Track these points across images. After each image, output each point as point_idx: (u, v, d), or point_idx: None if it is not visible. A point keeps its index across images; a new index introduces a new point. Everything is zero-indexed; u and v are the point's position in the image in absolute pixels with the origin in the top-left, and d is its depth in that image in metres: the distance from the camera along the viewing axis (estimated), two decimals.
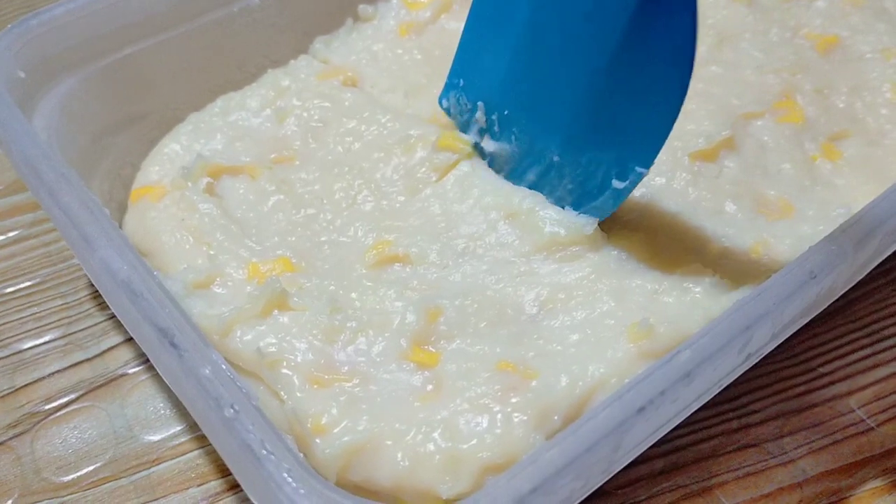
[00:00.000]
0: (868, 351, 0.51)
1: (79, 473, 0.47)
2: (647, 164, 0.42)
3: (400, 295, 0.44)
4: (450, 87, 0.52)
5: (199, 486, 0.46)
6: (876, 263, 0.42)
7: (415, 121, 0.52)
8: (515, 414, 0.38)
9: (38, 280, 0.56)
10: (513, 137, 0.48)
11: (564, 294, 0.43)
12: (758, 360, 0.38)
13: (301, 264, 0.45)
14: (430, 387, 0.39)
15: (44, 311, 0.54)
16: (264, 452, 0.32)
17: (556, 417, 0.38)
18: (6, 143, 0.44)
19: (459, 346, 0.41)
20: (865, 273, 0.41)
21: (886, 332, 0.52)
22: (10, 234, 0.58)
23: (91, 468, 0.47)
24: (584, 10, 0.42)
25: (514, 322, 0.43)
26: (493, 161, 0.50)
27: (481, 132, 0.50)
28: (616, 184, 0.43)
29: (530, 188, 0.48)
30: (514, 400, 0.38)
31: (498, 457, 0.37)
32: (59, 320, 0.54)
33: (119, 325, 0.53)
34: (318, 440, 0.38)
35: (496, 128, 0.49)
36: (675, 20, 0.38)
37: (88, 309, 0.54)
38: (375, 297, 0.44)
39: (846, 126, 0.53)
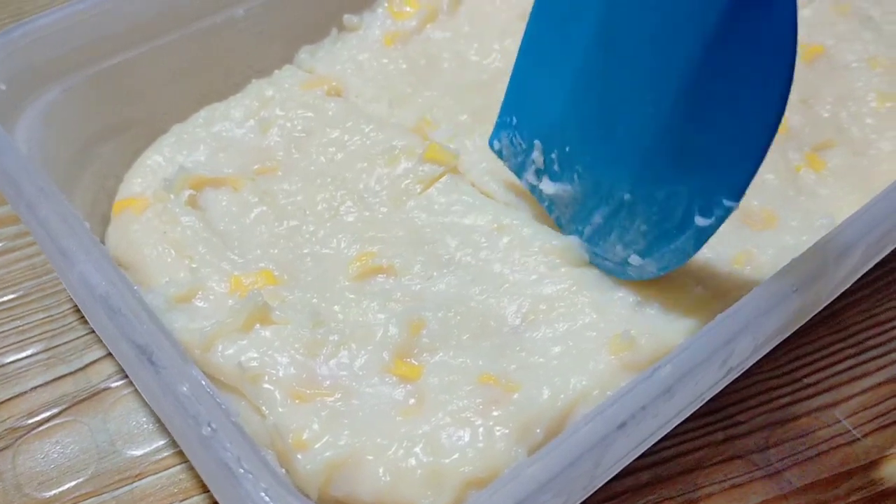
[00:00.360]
0: (853, 361, 0.51)
1: (61, 489, 0.46)
2: (737, 195, 0.36)
3: (383, 307, 0.43)
4: (501, 126, 0.48)
5: (181, 501, 0.46)
6: (859, 275, 0.42)
7: (399, 131, 0.52)
8: (497, 427, 0.38)
9: (21, 293, 0.55)
10: (575, 176, 0.44)
11: (546, 306, 0.43)
12: (739, 373, 0.38)
13: (283, 277, 0.45)
14: (412, 400, 0.39)
15: (26, 324, 0.54)
16: (241, 471, 0.32)
17: (538, 430, 0.38)
18: None
19: (442, 358, 0.41)
20: (848, 285, 0.41)
21: (871, 343, 0.52)
22: None
23: (73, 483, 0.47)
24: (662, 22, 0.37)
25: (497, 334, 0.42)
26: (552, 205, 0.46)
27: (538, 173, 0.46)
28: (699, 221, 0.38)
29: (596, 232, 0.44)
30: (495, 413, 0.38)
31: (480, 471, 0.36)
32: (41, 334, 0.53)
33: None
34: (299, 456, 0.37)
35: (556, 167, 0.45)
36: (774, 15, 0.33)
37: (71, 322, 0.54)
38: (358, 310, 0.43)
39: (831, 136, 0.53)
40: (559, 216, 0.47)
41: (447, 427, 0.38)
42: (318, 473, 0.37)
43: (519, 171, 0.48)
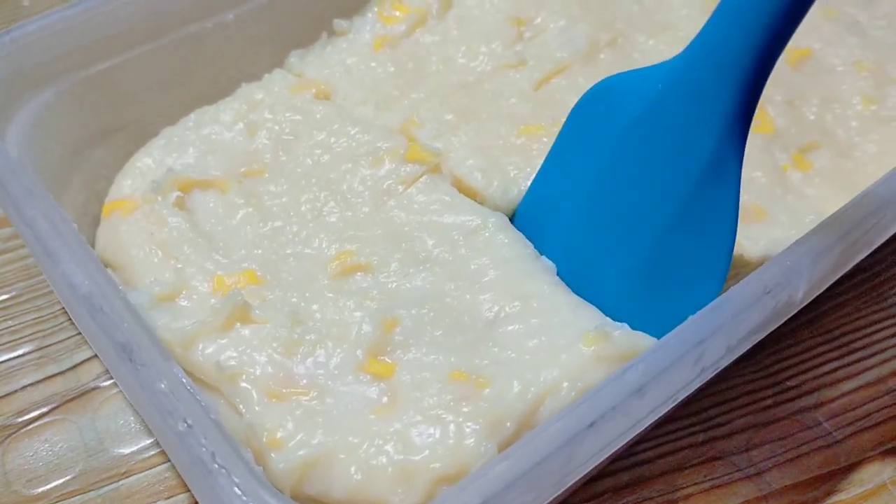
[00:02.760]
0: (836, 364, 0.51)
1: (49, 486, 0.47)
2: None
3: (359, 305, 0.44)
4: None
5: (167, 498, 0.47)
6: (837, 277, 0.42)
7: (384, 132, 0.52)
8: (468, 423, 0.38)
9: (14, 293, 0.56)
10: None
11: (520, 302, 0.43)
12: (714, 373, 0.38)
13: (266, 277, 0.46)
14: (385, 399, 0.40)
15: (18, 324, 0.54)
16: (216, 466, 0.33)
17: (508, 424, 0.38)
18: None
19: (415, 355, 0.41)
20: (825, 287, 0.41)
21: (854, 346, 0.52)
22: None
23: (61, 481, 0.47)
24: (641, 186, 0.43)
25: (471, 329, 0.43)
26: None
27: None
28: None
29: None
30: (466, 409, 0.38)
31: (450, 467, 0.37)
32: (33, 333, 0.54)
33: None
34: (273, 454, 0.38)
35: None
36: (722, 201, 0.40)
37: (62, 322, 0.54)
38: (335, 308, 0.44)
39: (816, 137, 0.53)
40: None
41: (418, 424, 0.38)
42: (291, 472, 0.37)
43: None
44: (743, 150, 0.40)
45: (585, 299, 0.44)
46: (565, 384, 0.39)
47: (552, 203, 0.47)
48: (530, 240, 0.47)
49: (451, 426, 0.38)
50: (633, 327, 0.41)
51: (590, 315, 0.42)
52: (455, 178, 0.51)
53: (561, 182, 0.47)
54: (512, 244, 0.46)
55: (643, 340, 0.39)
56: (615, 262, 0.44)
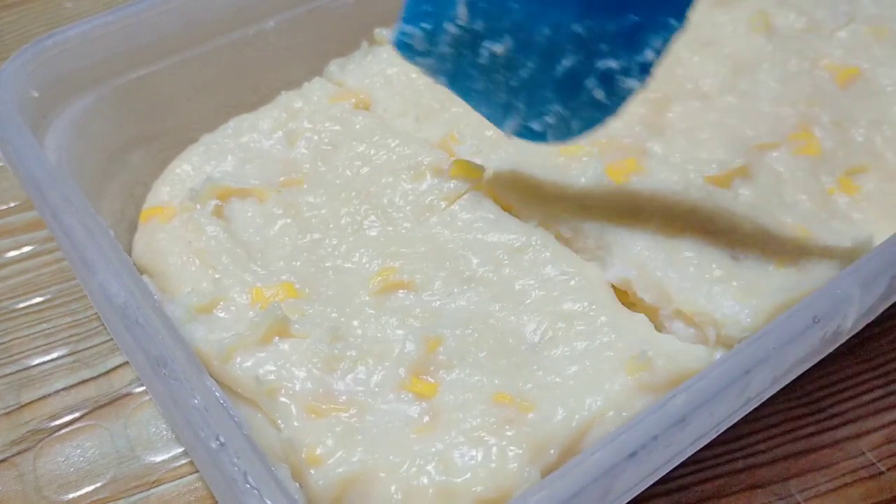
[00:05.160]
0: (881, 392, 0.49)
1: (79, 493, 0.47)
2: (680, 14, 0.37)
3: (402, 323, 0.43)
4: (411, 18, 0.42)
5: None
6: (887, 306, 0.41)
7: (425, 146, 0.52)
8: (511, 448, 0.37)
9: (49, 296, 0.56)
10: (509, 22, 0.40)
11: (565, 324, 0.42)
12: (759, 403, 0.37)
13: (305, 290, 0.45)
14: (426, 418, 0.39)
15: (53, 327, 0.55)
16: (248, 486, 0.32)
17: (552, 451, 0.38)
18: (14, 163, 0.44)
19: (458, 376, 0.41)
20: (875, 316, 0.40)
21: None
22: (25, 250, 0.59)
23: (91, 488, 0.47)
24: None
25: (515, 352, 0.42)
26: (469, 81, 0.43)
27: (462, 39, 0.42)
28: (648, 54, 0.38)
29: (528, 85, 0.42)
30: (509, 433, 0.38)
31: (491, 491, 0.36)
32: (67, 337, 0.54)
33: None
34: (312, 471, 0.37)
35: (483, 21, 0.40)
36: None
37: (96, 327, 0.54)
38: (377, 325, 0.43)
39: (864, 160, 0.52)
40: (488, 93, 0.43)
41: (460, 446, 0.38)
42: (330, 489, 0.37)
43: (436, 60, 0.44)
44: None
45: (547, 11, 0.39)
46: (610, 413, 0.38)
47: None
48: None
49: (494, 449, 0.37)
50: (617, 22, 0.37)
51: (635, 334, 0.42)
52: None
53: None
54: (556, 262, 0.45)
55: (689, 363, 0.39)
56: None
